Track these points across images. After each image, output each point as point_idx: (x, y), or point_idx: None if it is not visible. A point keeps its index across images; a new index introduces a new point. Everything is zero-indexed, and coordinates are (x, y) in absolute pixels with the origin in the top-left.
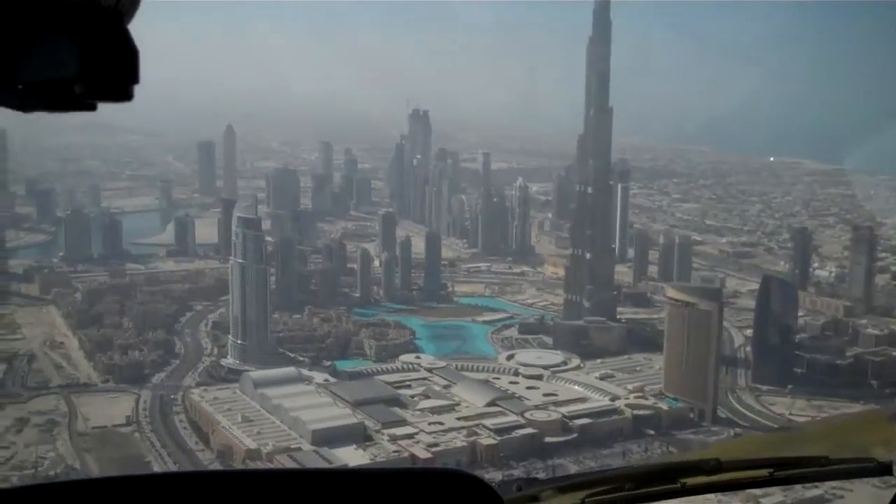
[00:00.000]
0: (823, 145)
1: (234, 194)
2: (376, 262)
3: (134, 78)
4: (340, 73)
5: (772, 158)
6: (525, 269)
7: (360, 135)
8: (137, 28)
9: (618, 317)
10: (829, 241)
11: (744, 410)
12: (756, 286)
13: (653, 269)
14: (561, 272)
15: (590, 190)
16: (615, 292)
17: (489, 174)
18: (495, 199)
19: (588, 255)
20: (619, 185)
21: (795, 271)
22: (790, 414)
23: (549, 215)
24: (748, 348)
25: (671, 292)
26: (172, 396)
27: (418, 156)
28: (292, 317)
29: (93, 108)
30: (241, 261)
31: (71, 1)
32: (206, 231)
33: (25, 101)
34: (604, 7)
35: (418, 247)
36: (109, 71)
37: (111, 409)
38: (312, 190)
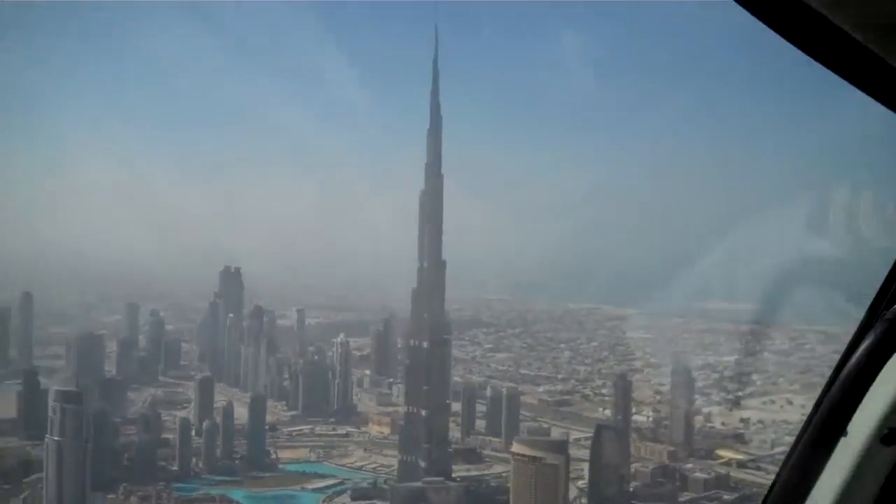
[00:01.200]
0: (619, 290)
1: (30, 364)
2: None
3: None
4: (135, 227)
5: (571, 305)
6: (349, 429)
7: (160, 294)
8: None
9: (452, 475)
10: (640, 385)
11: None
12: (580, 435)
13: (479, 423)
14: (387, 431)
15: (425, 345)
16: (450, 449)
17: (304, 331)
18: (315, 358)
19: (424, 412)
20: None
21: (618, 417)
22: None
23: (368, 372)
24: (583, 501)
25: (516, 447)
26: None
27: (231, 315)
28: (107, 497)
29: None
30: (57, 438)
31: None
32: (2, 405)
33: None
34: (435, 161)
35: (237, 412)
36: None
37: None
38: (118, 355)
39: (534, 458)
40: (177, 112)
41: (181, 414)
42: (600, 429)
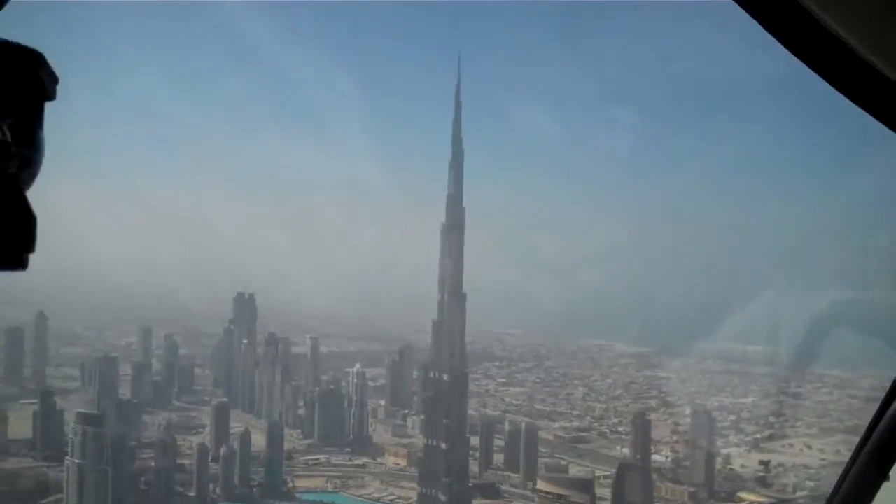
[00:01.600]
0: (631, 328)
1: (44, 384)
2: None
3: (30, 246)
4: (148, 249)
5: (582, 342)
6: (365, 460)
7: (172, 318)
8: None
9: None
10: (657, 424)
11: None
12: (598, 473)
13: (496, 458)
14: (403, 462)
15: (445, 377)
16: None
17: (318, 360)
18: (332, 387)
19: (443, 445)
20: None
21: (637, 457)
22: None
23: (382, 402)
24: None
25: (542, 485)
26: None
27: (245, 341)
28: None
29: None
30: (78, 461)
31: None
32: (18, 426)
33: None
34: (457, 192)
35: (253, 439)
36: (5, 237)
37: None
38: (132, 379)
39: (559, 497)
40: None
41: (196, 439)
42: (623, 468)
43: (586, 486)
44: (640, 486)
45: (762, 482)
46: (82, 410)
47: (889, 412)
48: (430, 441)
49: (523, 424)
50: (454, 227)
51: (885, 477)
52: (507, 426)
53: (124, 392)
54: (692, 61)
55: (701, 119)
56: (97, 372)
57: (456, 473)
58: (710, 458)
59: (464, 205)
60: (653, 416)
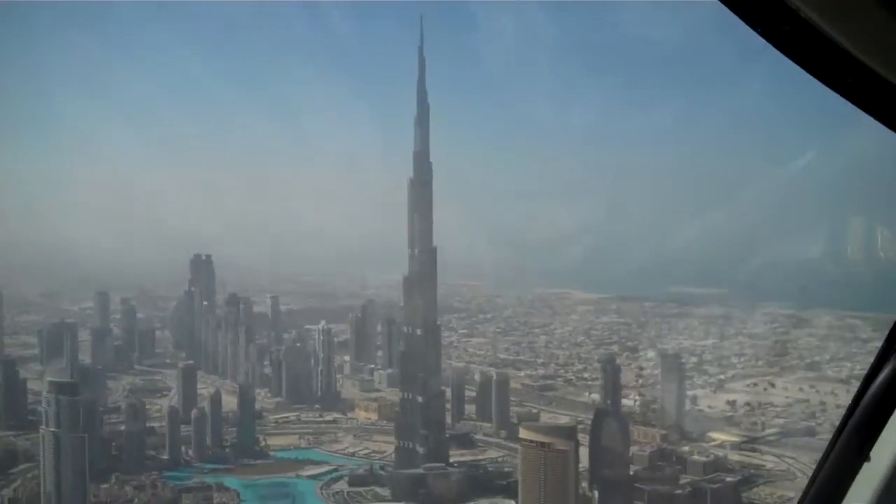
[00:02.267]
0: (590, 276)
1: (2, 354)
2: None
3: None
4: (100, 215)
5: (539, 290)
6: (336, 415)
7: (125, 283)
8: None
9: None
10: (622, 369)
11: None
12: (569, 419)
13: (468, 408)
14: (374, 417)
15: (419, 332)
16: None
17: (279, 318)
18: (297, 345)
19: (420, 399)
20: None
21: (608, 402)
22: None
23: (347, 358)
24: (584, 484)
25: (524, 433)
26: None
27: (205, 302)
28: (100, 486)
29: None
30: (53, 429)
31: None
32: None
33: None
34: (424, 148)
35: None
36: None
37: None
38: (92, 344)
39: (542, 444)
40: (149, 98)
41: (163, 402)
42: (600, 413)
43: (569, 433)
44: (617, 431)
45: (731, 421)
46: (55, 379)
47: (868, 393)
48: (405, 395)
49: (494, 374)
50: (422, 183)
51: (866, 458)
52: (477, 377)
53: (84, 357)
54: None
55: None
56: (53, 339)
57: (433, 426)
58: (679, 400)
59: (430, 160)
60: (616, 362)
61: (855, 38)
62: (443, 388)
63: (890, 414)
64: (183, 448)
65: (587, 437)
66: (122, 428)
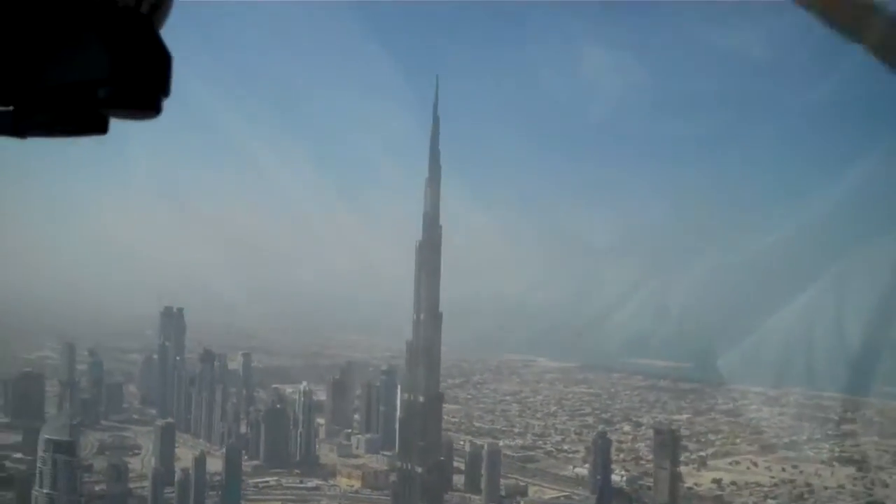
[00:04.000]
0: (554, 344)
1: None
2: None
3: (165, 87)
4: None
5: (504, 356)
6: (318, 482)
7: (83, 332)
8: None
9: None
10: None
11: None
12: (555, 493)
13: (457, 479)
14: (357, 484)
15: (421, 399)
16: None
17: (250, 376)
18: (278, 406)
19: (419, 470)
20: None
21: (598, 477)
22: None
23: (322, 421)
24: None
25: None
26: None
27: (177, 357)
28: None
29: (104, 129)
30: (48, 491)
31: (100, 3)
32: None
33: (22, 122)
34: (434, 210)
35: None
36: (140, 74)
37: None
38: (59, 397)
39: None
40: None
41: (133, 461)
42: (602, 490)
43: None
44: None
45: (720, 501)
46: (53, 437)
47: None
48: (404, 465)
49: (485, 446)
50: (430, 246)
51: None
52: (468, 447)
53: (49, 411)
54: None
55: None
56: (21, 390)
57: (433, 499)
58: (670, 476)
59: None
60: (594, 434)
61: None
62: (443, 459)
63: None
64: None
65: None
66: (100, 488)
